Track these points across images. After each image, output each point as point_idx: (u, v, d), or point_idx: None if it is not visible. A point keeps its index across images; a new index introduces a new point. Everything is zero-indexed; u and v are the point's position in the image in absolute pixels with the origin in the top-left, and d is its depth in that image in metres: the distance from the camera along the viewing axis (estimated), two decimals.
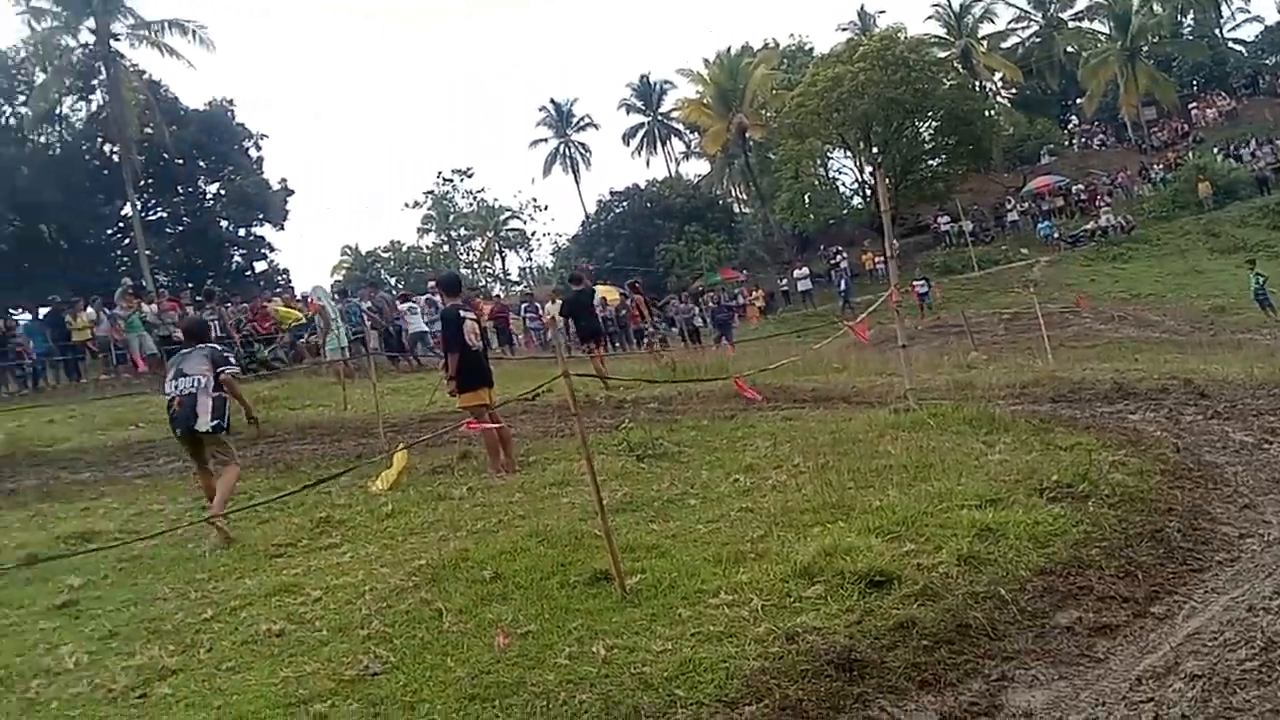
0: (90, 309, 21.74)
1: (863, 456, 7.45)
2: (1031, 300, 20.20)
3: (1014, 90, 56.71)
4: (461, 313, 8.92)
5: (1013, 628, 4.38)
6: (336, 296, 20.65)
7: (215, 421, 7.63)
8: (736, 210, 57.70)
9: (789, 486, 6.88)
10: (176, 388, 7.72)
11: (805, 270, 40.31)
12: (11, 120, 37.35)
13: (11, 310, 23.81)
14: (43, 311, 22.32)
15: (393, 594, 5.33)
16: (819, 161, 48.63)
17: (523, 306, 26.54)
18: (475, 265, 63.23)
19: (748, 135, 50.21)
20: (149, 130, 34.74)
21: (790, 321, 34.39)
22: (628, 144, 63.95)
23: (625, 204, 51.50)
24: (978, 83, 50.19)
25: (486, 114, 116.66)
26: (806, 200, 46.85)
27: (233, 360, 8.32)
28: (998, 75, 54.86)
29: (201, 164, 38.95)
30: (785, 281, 42.33)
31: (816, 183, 48.63)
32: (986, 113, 45.58)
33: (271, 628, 5.04)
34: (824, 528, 5.63)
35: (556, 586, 5.19)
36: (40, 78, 35.77)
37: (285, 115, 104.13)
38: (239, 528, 7.46)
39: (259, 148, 40.85)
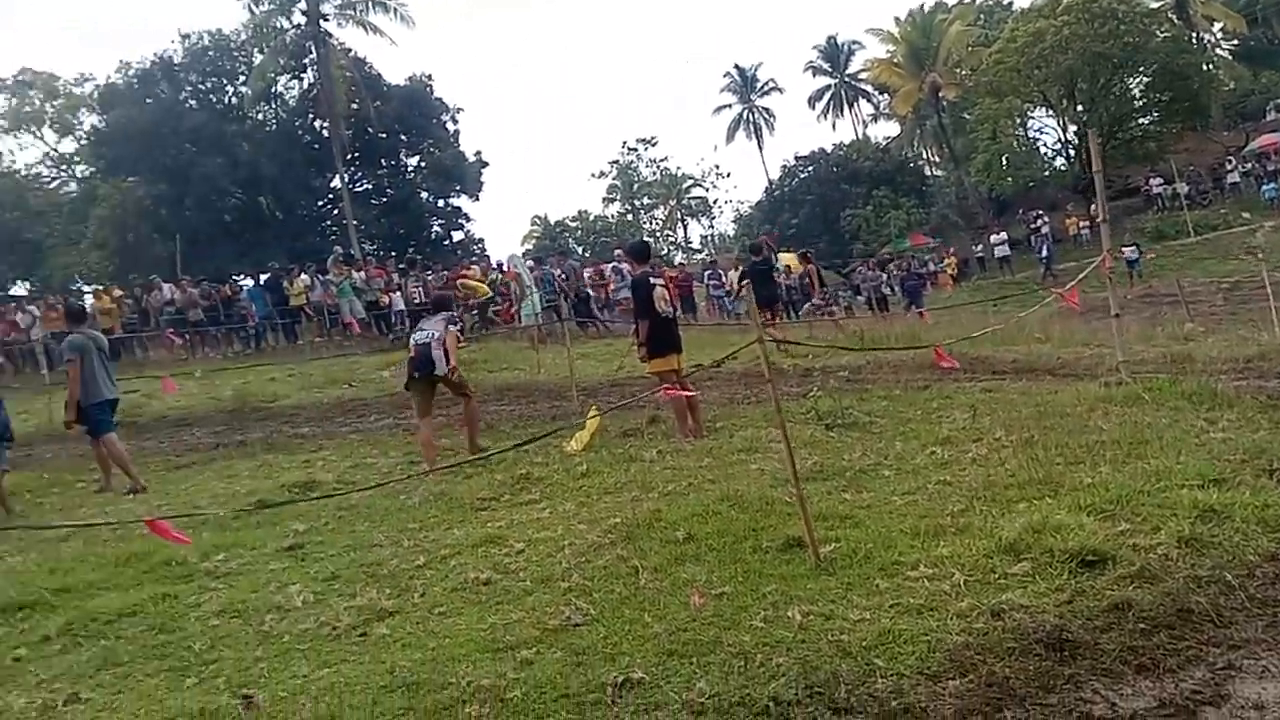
0: (305, 275, 23.33)
1: (1071, 431, 7.10)
2: (1255, 268, 18.57)
3: (1236, 41, 51.95)
4: (651, 279, 9.03)
5: (1240, 615, 4.09)
6: (531, 264, 21.33)
7: (450, 366, 8.91)
8: (928, 173, 55.73)
9: (990, 460, 6.64)
10: (415, 340, 9.10)
11: (1003, 235, 38.49)
12: (233, 100, 40.30)
13: (236, 276, 25.86)
14: (263, 278, 24.12)
15: (590, 549, 5.50)
16: (1018, 121, 46.27)
17: (706, 274, 26.61)
18: (657, 233, 63.82)
19: (941, 95, 48.27)
20: (355, 106, 36.78)
21: (985, 289, 33.00)
22: (813, 107, 62.87)
23: (810, 169, 50.59)
24: (1194, 34, 46.26)
25: (671, 82, 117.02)
26: (1004, 162, 44.69)
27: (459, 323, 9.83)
28: (1217, 25, 50.33)
29: (403, 138, 40.91)
30: (980, 247, 40.60)
31: (1015, 143, 46.33)
32: (1204, 66, 42.02)
33: (479, 576, 5.30)
34: (1030, 504, 5.40)
35: (749, 551, 5.22)
36: (258, 59, 38.40)
37: (478, 89, 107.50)
38: (445, 482, 7.88)
39: (455, 121, 42.57)
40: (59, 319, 17.68)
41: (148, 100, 37.41)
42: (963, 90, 47.15)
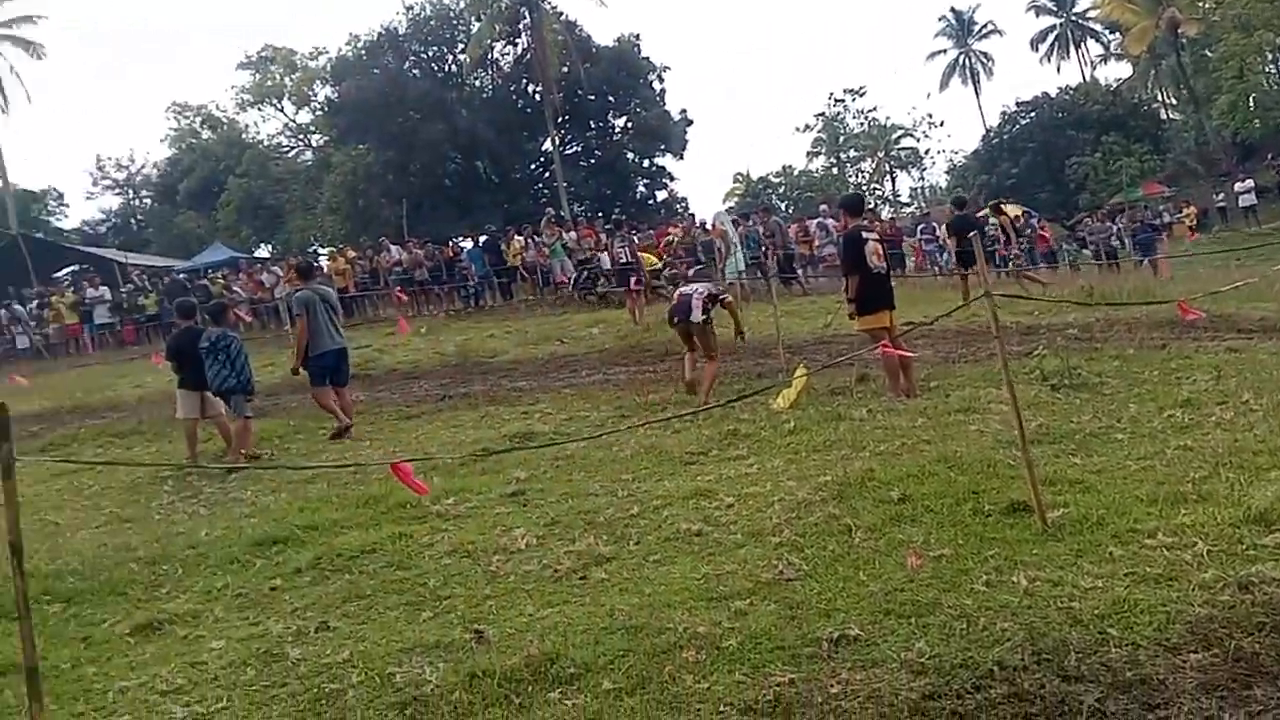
0: (520, 237, 24.20)
1: None
2: None
3: None
4: (864, 233, 8.80)
5: None
6: (736, 221, 21.25)
7: (704, 317, 9.61)
8: (1163, 117, 51.33)
9: (1237, 425, 6.13)
10: (680, 290, 10.07)
11: (1248, 183, 35.03)
12: (453, 67, 42.06)
13: (456, 238, 27.13)
14: (482, 239, 25.20)
15: (801, 506, 5.48)
16: (1269, 57, 41.79)
17: (918, 228, 25.70)
18: (864, 186, 61.95)
19: (1180, 31, 44.14)
20: (566, 69, 37.62)
21: (1229, 241, 30.20)
22: (1036, 49, 58.94)
23: (1032, 115, 47.60)
24: None
25: (880, 30, 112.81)
26: (1251, 103, 40.56)
27: (723, 290, 10.60)
28: None
29: (611, 99, 41.46)
30: (1222, 196, 37.16)
31: (1265, 82, 41.88)
32: None
33: (690, 527, 5.39)
34: None
35: (969, 513, 5.06)
36: (475, 26, 39.83)
37: (684, 46, 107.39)
38: (654, 436, 8.03)
39: (661, 80, 42.72)
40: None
41: (375, 71, 39.63)
42: (1205, 25, 42.97)
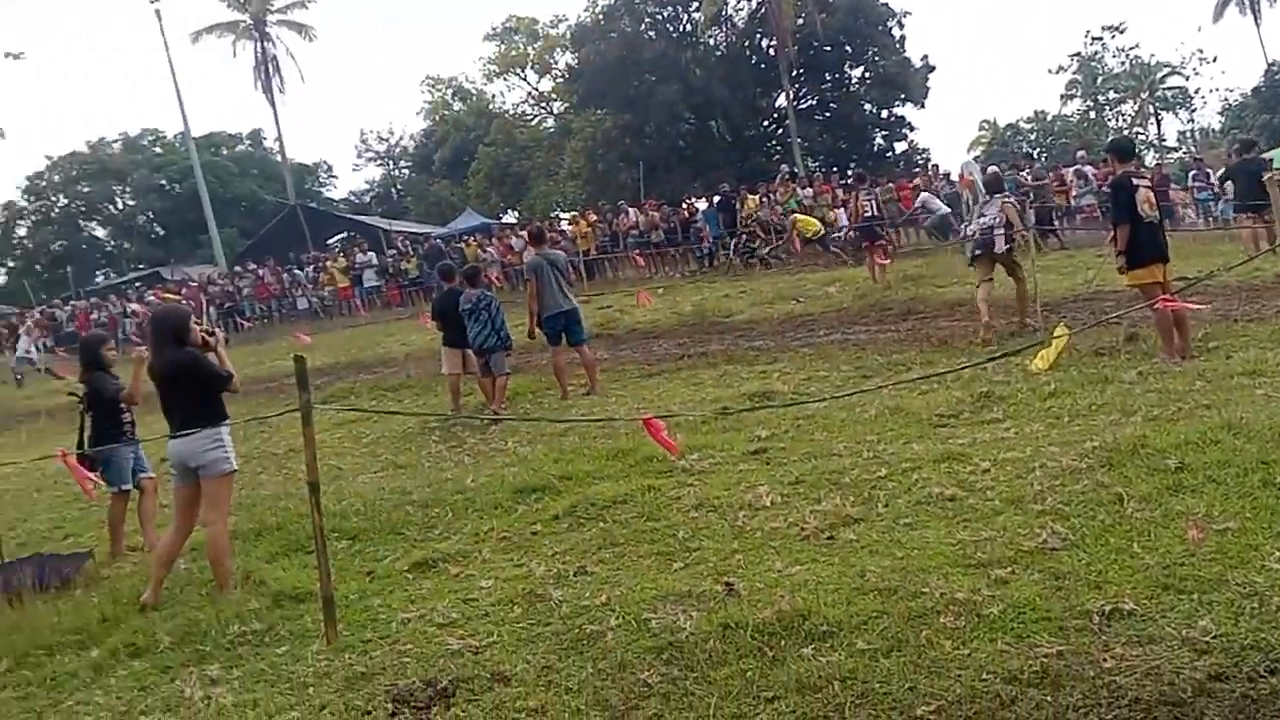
0: (753, 196, 24.10)
1: None
2: None
3: None
4: (1134, 180, 8.14)
5: None
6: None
7: (1008, 246, 10.14)
8: None
9: None
10: (979, 224, 10.40)
11: None
12: (687, 26, 42.15)
13: (691, 199, 27.37)
14: (716, 199, 25.27)
15: (1065, 473, 5.19)
16: None
17: (1190, 175, 23.49)
18: (1126, 130, 57.08)
19: None
20: (801, 21, 36.80)
21: None
22: None
23: None
24: None
25: None
26: None
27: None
28: None
29: (848, 49, 40.20)
30: None
31: None
32: None
33: (943, 492, 5.23)
34: None
35: (1258, 485, 4.62)
36: None
37: None
38: (899, 396, 7.83)
39: (901, 26, 40.99)
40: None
41: (612, 35, 40.30)
42: None
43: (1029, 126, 58.97)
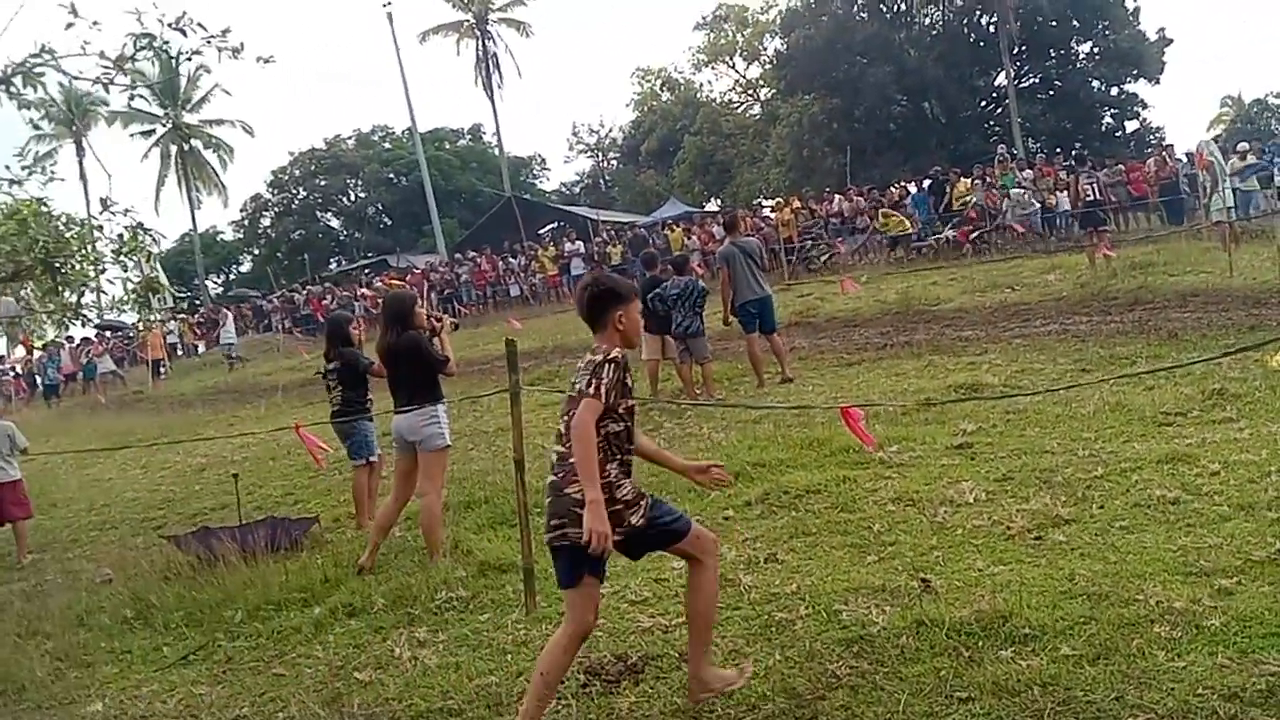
0: (966, 179, 23.12)
1: None
2: None
3: None
4: None
5: None
6: (1225, 150, 18.60)
7: None
8: None
9: None
10: None
11: None
12: (901, 5, 40.84)
13: (902, 183, 26.54)
14: (925, 182, 24.42)
15: None
16: None
17: None
18: None
19: None
20: None
21: None
22: None
23: None
24: None
25: None
26: None
27: None
28: None
29: (1075, 23, 37.68)
30: None
31: None
32: None
33: (1165, 494, 4.89)
34: None
35: None
36: None
37: None
38: (1121, 392, 7.35)
39: None
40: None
41: (823, 18, 39.51)
42: None
43: (1279, 101, 53.56)
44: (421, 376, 5.97)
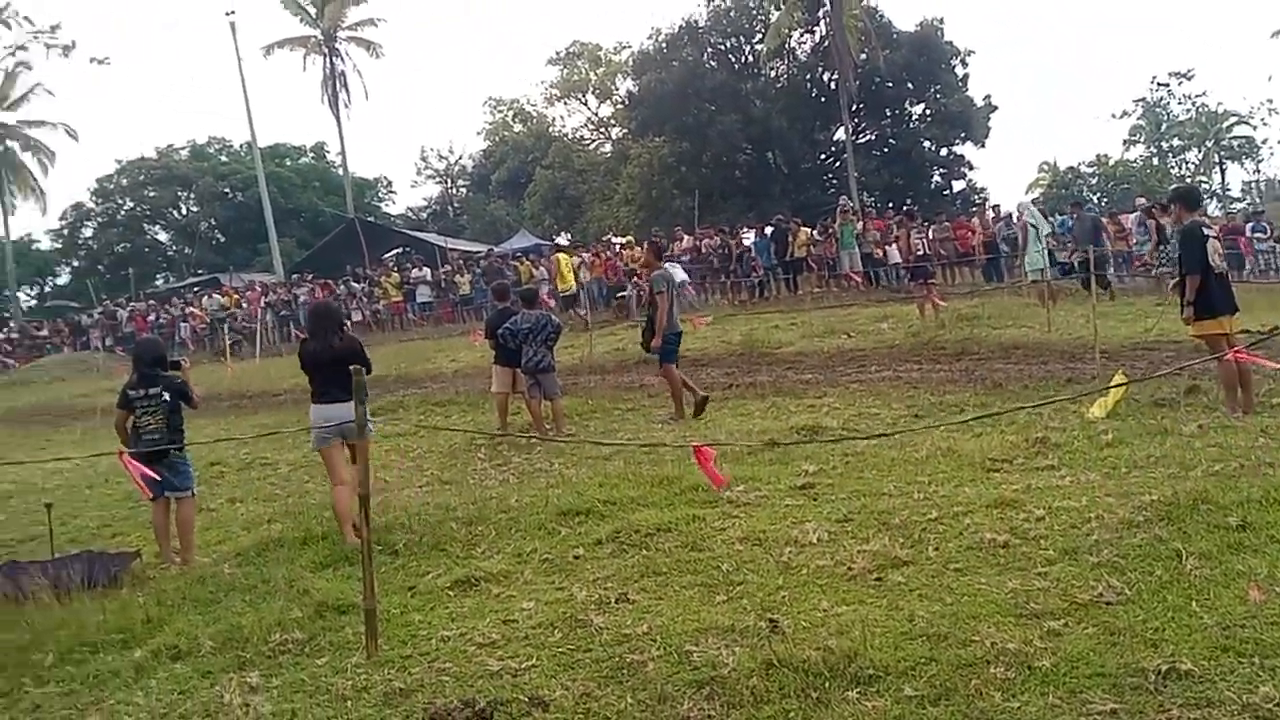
0: (806, 229, 24.02)
1: None
2: None
3: None
4: (1204, 230, 7.99)
5: None
6: (1044, 212, 20.02)
7: None
8: None
9: None
10: None
11: None
12: (749, 58, 42.32)
13: (742, 229, 27.30)
14: (768, 230, 25.21)
15: (1122, 526, 5.07)
16: None
17: (1250, 226, 23.06)
18: (1189, 178, 56.17)
19: None
20: (864, 56, 36.72)
21: None
22: None
23: None
24: None
25: (1212, 5, 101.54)
26: None
27: None
28: None
29: (909, 85, 40.01)
30: None
31: None
32: None
33: (995, 538, 5.13)
34: None
35: None
36: (774, 15, 39.80)
37: (988, 28, 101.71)
38: (951, 438, 7.72)
39: (965, 65, 40.75)
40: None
41: (673, 64, 40.53)
42: None
43: (1090, 170, 58.26)
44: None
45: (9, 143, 45.00)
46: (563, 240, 41.51)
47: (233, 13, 40.09)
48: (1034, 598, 4.32)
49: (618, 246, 27.81)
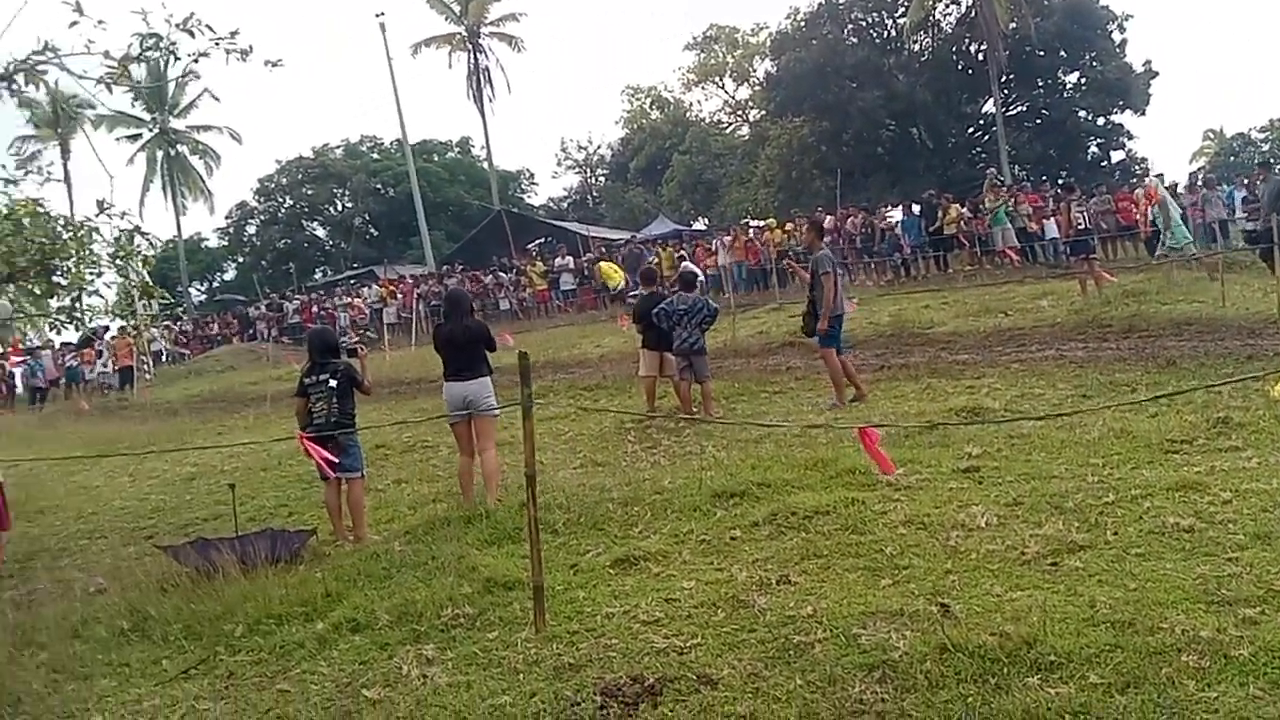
0: (957, 204, 23.24)
1: None
2: None
3: None
4: None
5: None
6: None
7: None
8: None
9: None
10: None
11: None
12: (891, 32, 41.17)
13: (885, 208, 26.64)
14: (915, 207, 24.52)
15: None
16: None
17: None
18: None
19: None
20: (1014, 25, 35.22)
21: None
22: None
23: None
24: None
25: None
26: None
27: None
28: None
29: (1063, 54, 38.09)
30: None
31: None
32: None
33: (1179, 522, 4.88)
34: None
35: None
36: None
37: None
38: (1125, 419, 7.35)
39: (1122, 30, 38.53)
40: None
41: (813, 41, 39.78)
42: None
43: (1262, 135, 54.24)
44: (482, 355, 7.62)
45: (179, 147, 47.92)
46: (699, 226, 41.52)
47: (382, 14, 41.42)
48: (1225, 584, 4.09)
49: (759, 228, 27.60)
